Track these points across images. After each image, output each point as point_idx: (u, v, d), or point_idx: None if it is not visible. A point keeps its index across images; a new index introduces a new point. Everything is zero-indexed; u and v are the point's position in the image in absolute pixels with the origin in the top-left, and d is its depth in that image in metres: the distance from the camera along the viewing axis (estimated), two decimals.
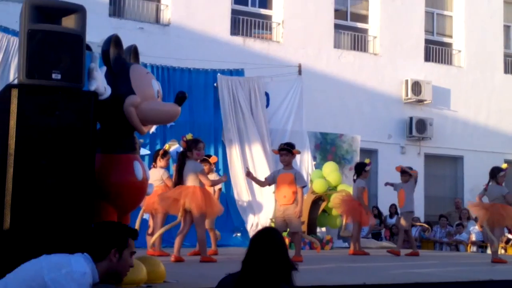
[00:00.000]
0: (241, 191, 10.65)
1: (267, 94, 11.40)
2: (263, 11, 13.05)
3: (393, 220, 11.94)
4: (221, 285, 2.98)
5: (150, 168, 7.20)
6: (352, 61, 13.40)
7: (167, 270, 4.40)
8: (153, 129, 9.53)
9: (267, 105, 11.37)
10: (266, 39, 12.75)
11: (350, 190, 9.27)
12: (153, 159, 7.81)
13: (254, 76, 11.30)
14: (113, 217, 4.07)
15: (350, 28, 13.86)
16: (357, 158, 11.58)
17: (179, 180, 6.43)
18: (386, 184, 9.02)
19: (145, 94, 4.16)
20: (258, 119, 11.08)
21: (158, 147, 9.46)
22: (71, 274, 2.72)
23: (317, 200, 10.02)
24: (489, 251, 9.25)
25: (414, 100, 13.69)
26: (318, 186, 9.90)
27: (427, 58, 14.39)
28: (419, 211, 9.93)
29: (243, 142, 10.86)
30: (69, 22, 3.74)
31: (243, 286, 2.86)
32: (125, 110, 4.09)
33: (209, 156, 8.18)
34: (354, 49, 13.66)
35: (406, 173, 8.60)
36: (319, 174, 10.28)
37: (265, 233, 3.00)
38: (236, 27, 12.43)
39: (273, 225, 8.25)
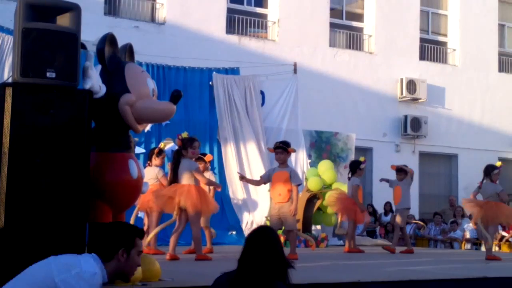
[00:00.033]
0: (236, 190, 10.66)
1: (262, 93, 11.40)
2: (259, 10, 13.06)
3: (388, 218, 11.97)
4: (217, 284, 2.98)
5: (145, 167, 7.19)
6: (348, 59, 13.43)
7: (162, 268, 4.40)
8: (148, 127, 9.52)
9: (262, 104, 11.38)
10: (261, 38, 12.75)
11: (345, 188, 9.28)
12: (148, 157, 7.79)
13: (250, 74, 11.30)
14: (108, 215, 4.07)
15: (345, 27, 13.88)
16: (352, 156, 11.60)
17: (174, 178, 6.43)
18: (382, 180, 9.04)
19: (140, 92, 4.16)
20: (253, 118, 11.08)
21: (153, 145, 9.44)
22: (81, 274, 2.72)
23: (312, 198, 10.04)
24: (483, 248, 9.29)
25: (409, 98, 13.72)
26: (313, 184, 9.91)
27: (422, 57, 14.42)
28: (414, 209, 9.97)
29: (238, 141, 10.86)
30: (64, 20, 3.73)
31: (239, 285, 2.87)
32: (120, 108, 4.09)
33: (205, 154, 8.17)
34: (350, 47, 13.68)
35: (402, 172, 8.62)
36: (314, 172, 10.29)
37: (261, 231, 3.01)
38: (232, 26, 12.43)
39: (268, 223, 8.26)
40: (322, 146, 11.78)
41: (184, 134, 6.59)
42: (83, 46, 3.88)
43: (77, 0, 3.89)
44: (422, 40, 14.50)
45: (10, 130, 3.52)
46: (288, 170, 7.07)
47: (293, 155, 8.34)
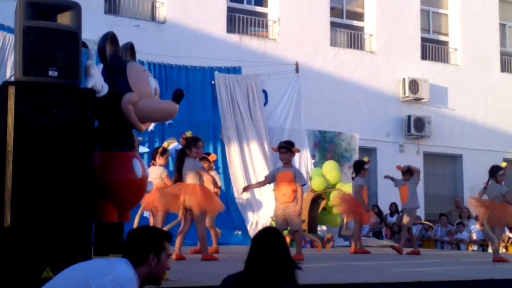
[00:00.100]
0: (240, 189, 10.56)
1: (265, 92, 11.34)
2: (259, 9, 13.02)
3: (394, 219, 11.91)
4: (224, 285, 3.00)
5: (149, 166, 7.15)
6: (349, 59, 13.39)
7: None
8: (151, 127, 9.45)
9: (265, 103, 11.32)
10: (262, 37, 12.71)
11: (348, 188, 9.23)
12: (152, 157, 7.76)
13: (252, 74, 11.25)
14: (113, 214, 4.05)
15: (346, 26, 13.84)
16: (356, 157, 11.54)
17: (179, 178, 6.39)
18: (386, 177, 8.94)
19: (143, 91, 4.14)
20: (256, 117, 11.02)
21: (157, 145, 9.40)
22: (118, 280, 2.70)
23: (317, 198, 9.99)
24: (490, 250, 9.23)
25: (412, 98, 13.68)
26: (316, 184, 9.87)
27: (424, 56, 14.39)
28: (419, 209, 9.90)
29: (242, 140, 10.81)
30: (64, 19, 3.71)
31: (246, 286, 2.88)
32: (122, 107, 4.07)
33: (208, 154, 8.14)
34: (351, 47, 13.65)
35: (408, 173, 8.55)
36: (319, 172, 10.24)
37: (267, 233, 3.03)
38: (232, 25, 12.39)
39: (273, 223, 8.20)
40: (326, 146, 11.73)
41: (188, 134, 6.56)
42: (84, 45, 3.85)
43: None
44: (423, 40, 14.47)
45: (14, 129, 3.51)
46: (292, 170, 7.02)
47: (296, 155, 8.28)
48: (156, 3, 11.96)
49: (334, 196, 9.07)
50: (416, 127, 13.55)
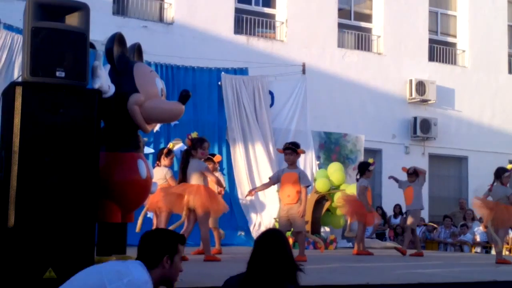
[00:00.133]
0: (245, 191, 10.57)
1: (271, 93, 11.35)
2: (267, 10, 13.04)
3: (397, 220, 11.90)
4: (226, 286, 3.01)
5: (154, 167, 7.18)
6: (356, 60, 13.38)
7: None
8: (157, 127, 9.49)
9: (272, 104, 11.33)
10: (269, 38, 12.73)
11: (352, 189, 9.23)
12: (157, 157, 7.79)
13: (258, 75, 11.27)
14: (117, 215, 4.06)
15: (354, 27, 13.83)
16: (361, 158, 11.54)
17: (184, 178, 6.42)
18: (390, 177, 8.94)
19: (149, 92, 4.17)
20: (262, 119, 11.03)
21: (162, 145, 9.43)
22: (134, 282, 2.72)
23: (321, 200, 10.00)
24: (493, 252, 9.21)
25: (418, 100, 13.66)
26: (320, 185, 9.87)
27: (431, 58, 14.35)
28: (424, 211, 9.91)
29: (247, 142, 10.83)
30: (72, 20, 3.74)
31: (249, 287, 2.89)
32: (129, 108, 4.09)
33: (213, 155, 8.16)
34: (358, 48, 13.64)
35: (413, 174, 8.55)
36: (323, 174, 10.25)
37: (270, 234, 3.05)
38: (240, 26, 12.42)
39: (277, 225, 8.23)
40: (331, 147, 11.73)
41: (194, 134, 6.58)
42: (92, 46, 3.88)
43: (86, 0, 3.89)
44: (431, 41, 14.44)
45: (20, 129, 3.52)
46: (297, 171, 7.03)
47: (301, 156, 8.29)
48: (164, 4, 12.01)
49: (338, 198, 9.07)
50: (422, 128, 13.53)
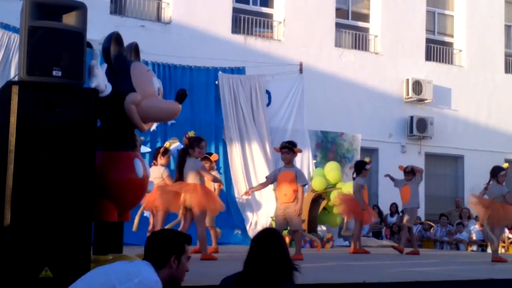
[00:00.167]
0: (241, 190, 10.61)
1: (268, 93, 11.36)
2: (264, 10, 13.05)
3: (394, 219, 11.93)
4: (223, 285, 3.03)
5: (150, 166, 7.19)
6: (353, 60, 13.40)
7: None
8: (153, 126, 9.50)
9: (269, 104, 11.35)
10: (267, 38, 12.75)
11: (348, 187, 9.25)
12: (153, 157, 7.80)
13: (255, 74, 11.28)
14: (113, 214, 4.07)
15: (351, 27, 13.86)
16: (357, 157, 11.56)
17: (180, 177, 6.42)
18: (386, 175, 8.96)
19: (146, 91, 4.16)
20: (259, 118, 11.05)
21: (158, 145, 9.43)
22: (144, 282, 2.73)
23: (317, 198, 10.02)
24: (489, 250, 9.24)
25: (415, 99, 13.69)
26: (317, 184, 9.90)
27: (428, 57, 14.39)
28: (420, 210, 9.93)
29: (243, 141, 10.83)
30: (69, 19, 3.73)
31: (245, 286, 2.92)
32: (125, 107, 4.09)
33: (210, 154, 8.17)
34: (355, 48, 13.67)
35: (410, 173, 8.57)
36: (320, 173, 10.27)
37: (266, 234, 3.07)
38: (237, 26, 12.44)
39: (273, 223, 8.23)
40: (328, 146, 11.75)
41: (191, 133, 6.58)
42: (89, 45, 3.87)
43: None
44: (428, 41, 14.47)
45: (16, 128, 3.52)
46: (294, 170, 7.04)
47: (298, 155, 8.31)
48: (162, 4, 12.02)
49: (334, 196, 9.10)
50: (418, 127, 13.56)
